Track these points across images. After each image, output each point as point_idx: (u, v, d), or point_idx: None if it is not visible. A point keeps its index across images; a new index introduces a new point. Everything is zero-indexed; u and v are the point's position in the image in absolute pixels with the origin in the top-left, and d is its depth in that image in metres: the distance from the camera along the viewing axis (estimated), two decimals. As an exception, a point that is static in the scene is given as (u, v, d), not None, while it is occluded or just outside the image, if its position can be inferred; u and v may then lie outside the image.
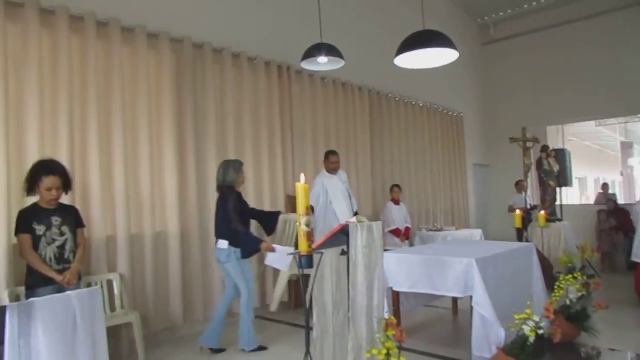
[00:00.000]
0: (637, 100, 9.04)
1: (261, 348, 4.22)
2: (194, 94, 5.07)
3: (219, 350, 4.21)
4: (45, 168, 3.21)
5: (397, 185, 7.19)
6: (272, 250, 4.07)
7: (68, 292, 1.98)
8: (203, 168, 5.07)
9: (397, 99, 8.12)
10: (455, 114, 9.84)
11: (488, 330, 3.60)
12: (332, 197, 5.30)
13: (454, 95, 9.98)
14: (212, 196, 5.04)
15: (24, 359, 1.74)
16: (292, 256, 3.91)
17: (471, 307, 3.74)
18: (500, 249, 4.37)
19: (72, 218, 3.34)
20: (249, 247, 4.08)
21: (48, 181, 3.18)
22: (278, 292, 4.97)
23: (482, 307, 3.60)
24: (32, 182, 3.19)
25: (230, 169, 4.18)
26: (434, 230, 7.65)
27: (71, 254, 3.25)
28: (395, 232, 6.81)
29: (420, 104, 8.73)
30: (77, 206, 3.72)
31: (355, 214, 5.21)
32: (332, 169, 5.45)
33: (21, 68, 3.87)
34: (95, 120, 4.21)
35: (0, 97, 3.66)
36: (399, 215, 6.98)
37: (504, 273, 4.10)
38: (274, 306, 4.90)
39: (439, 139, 9.19)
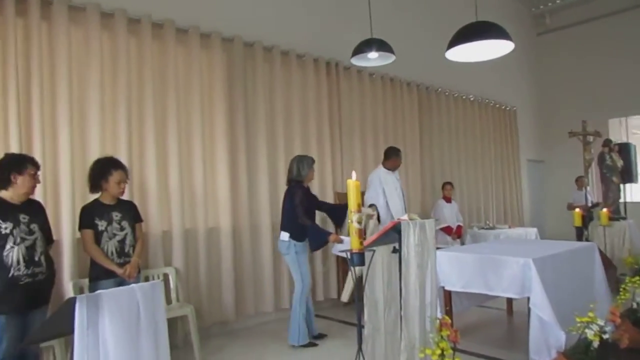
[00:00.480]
0: None
1: (312, 344, 4.23)
2: (245, 92, 5.15)
3: (313, 344, 4.25)
4: (114, 163, 3.37)
5: (450, 183, 7.03)
6: (340, 241, 4.11)
7: (132, 285, 2.06)
8: (254, 165, 5.15)
9: (447, 93, 7.93)
10: (508, 108, 9.50)
11: (547, 334, 3.45)
12: (388, 195, 5.24)
13: (506, 89, 9.64)
14: (263, 193, 5.14)
15: (91, 347, 1.83)
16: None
17: (528, 309, 3.60)
18: (559, 249, 4.17)
19: (132, 213, 3.48)
20: (317, 240, 4.16)
21: (118, 175, 3.33)
22: (350, 283, 4.90)
23: (541, 309, 3.46)
24: (99, 177, 3.31)
25: (305, 164, 4.30)
26: (486, 229, 7.41)
27: (131, 248, 3.38)
28: (447, 230, 6.67)
29: (472, 99, 8.49)
30: (135, 201, 3.88)
31: (405, 212, 5.14)
32: (396, 167, 5.43)
33: (84, 69, 4.08)
34: (151, 118, 4.37)
35: (65, 98, 3.89)
36: (450, 213, 6.82)
37: (563, 274, 3.92)
38: (345, 296, 4.80)
39: (491, 135, 8.91)
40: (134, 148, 4.27)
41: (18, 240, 2.73)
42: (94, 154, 3.86)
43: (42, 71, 3.82)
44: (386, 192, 5.23)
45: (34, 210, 2.94)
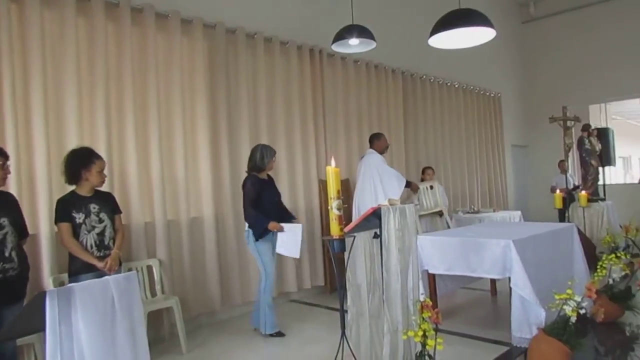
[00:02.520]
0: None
1: (279, 334, 4.23)
2: (227, 80, 5.10)
3: (278, 334, 4.24)
4: (94, 153, 3.32)
5: (430, 168, 7.05)
6: (281, 229, 4.12)
7: (106, 277, 2.02)
8: (236, 153, 5.11)
9: (431, 80, 7.95)
10: (493, 95, 9.56)
11: (528, 311, 3.54)
12: (382, 176, 5.30)
13: (491, 76, 9.69)
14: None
15: (65, 344, 1.79)
16: (300, 242, 4.06)
17: (510, 289, 3.68)
18: (540, 230, 4.25)
19: (110, 205, 3.41)
20: (258, 228, 4.13)
21: (100, 164, 3.29)
22: None
23: (522, 289, 3.53)
24: (80, 167, 3.21)
25: (269, 153, 4.31)
26: (471, 213, 7.49)
27: (111, 240, 3.32)
28: None
29: (456, 85, 8.52)
30: (116, 193, 3.82)
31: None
32: (386, 148, 5.58)
33: (58, 56, 3.94)
34: (131, 107, 4.29)
35: (38, 86, 3.74)
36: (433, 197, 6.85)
37: (544, 254, 4.00)
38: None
39: (475, 121, 8.97)
40: (113, 138, 4.19)
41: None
42: (71, 145, 3.73)
43: (13, 58, 3.64)
44: (385, 174, 5.29)
45: (4, 203, 2.85)
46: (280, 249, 4.21)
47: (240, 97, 5.18)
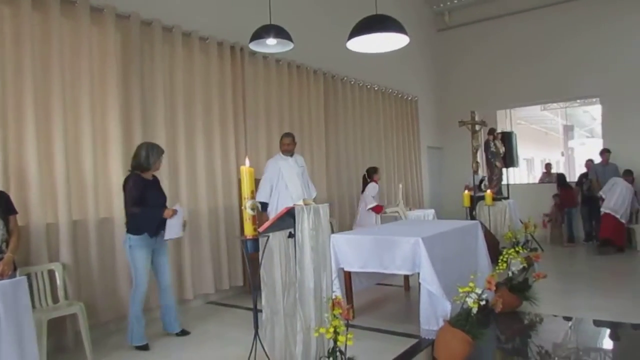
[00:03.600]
0: (575, 87, 9.67)
1: (144, 348, 3.95)
2: (142, 74, 4.88)
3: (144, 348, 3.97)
4: None
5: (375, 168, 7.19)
6: (175, 212, 3.88)
7: (-12, 283, 1.86)
8: (151, 152, 4.91)
9: (352, 82, 8.13)
10: (410, 98, 9.97)
11: (435, 305, 3.73)
12: (287, 180, 5.23)
13: (408, 80, 10.10)
14: (163, 179, 4.90)
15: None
16: (182, 219, 3.97)
17: (419, 284, 3.85)
18: (447, 227, 4.51)
19: (3, 204, 3.15)
20: (151, 221, 3.86)
21: None
22: None
23: (429, 283, 3.73)
24: None
25: (156, 152, 4.02)
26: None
27: (4, 243, 3.07)
28: (377, 209, 6.79)
29: (376, 88, 8.79)
30: (13, 192, 3.54)
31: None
32: (285, 151, 5.38)
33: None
34: (31, 99, 3.96)
35: None
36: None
37: (450, 250, 4.24)
38: None
39: (394, 123, 9.30)
40: (9, 133, 3.86)
41: None
42: None
43: None
44: (284, 176, 5.25)
45: None
46: (168, 235, 3.94)
47: (156, 93, 4.99)
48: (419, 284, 3.86)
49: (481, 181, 7.80)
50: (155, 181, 4.16)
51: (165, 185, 4.90)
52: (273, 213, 4.99)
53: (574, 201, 8.71)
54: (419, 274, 3.86)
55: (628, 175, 7.98)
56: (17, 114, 3.94)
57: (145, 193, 3.91)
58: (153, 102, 4.97)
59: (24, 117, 3.95)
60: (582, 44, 9.39)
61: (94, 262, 4.33)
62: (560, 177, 9.17)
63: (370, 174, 6.95)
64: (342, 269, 4.20)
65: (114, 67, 4.60)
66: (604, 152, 8.54)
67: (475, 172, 8.38)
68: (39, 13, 4.13)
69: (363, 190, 6.89)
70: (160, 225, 3.91)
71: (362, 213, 6.76)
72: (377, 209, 6.84)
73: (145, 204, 3.88)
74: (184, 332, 4.25)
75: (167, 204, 4.14)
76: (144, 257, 3.90)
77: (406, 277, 5.40)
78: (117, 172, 4.54)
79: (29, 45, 3.98)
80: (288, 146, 5.35)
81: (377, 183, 6.93)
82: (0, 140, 3.68)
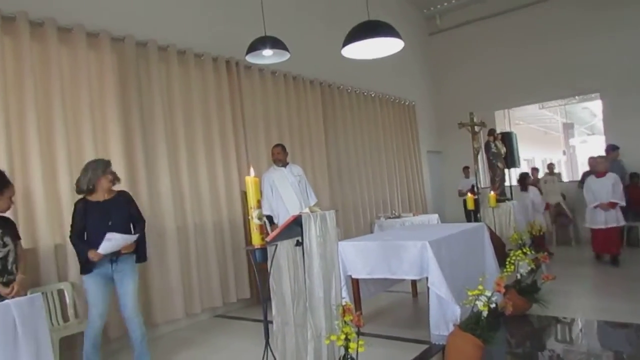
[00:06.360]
0: (573, 83, 9.53)
1: None
2: (140, 94, 4.94)
3: None
4: (6, 177, 3.11)
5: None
6: (100, 256, 3.34)
7: (6, 301, 1.88)
8: (153, 167, 4.95)
9: (349, 90, 8.18)
10: (407, 103, 10.02)
11: (445, 309, 3.71)
12: (281, 191, 5.21)
13: (405, 85, 10.16)
14: (166, 195, 4.95)
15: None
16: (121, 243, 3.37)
17: (428, 288, 3.84)
18: (453, 231, 4.50)
19: (13, 230, 3.18)
20: (81, 260, 3.43)
21: (12, 189, 3.13)
22: None
23: (438, 287, 3.71)
24: None
25: (91, 171, 3.45)
26: (392, 218, 7.79)
27: (13, 265, 3.09)
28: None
29: (373, 95, 8.83)
30: (20, 215, 3.59)
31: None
32: (275, 161, 5.34)
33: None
34: (34, 125, 4.03)
35: None
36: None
37: (457, 253, 4.23)
38: None
39: (392, 128, 9.34)
40: (15, 158, 3.91)
41: None
42: None
43: None
44: (279, 188, 5.21)
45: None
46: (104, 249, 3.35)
47: (154, 111, 5.04)
48: (428, 288, 3.85)
49: (473, 186, 7.77)
50: (111, 201, 3.52)
51: (169, 200, 4.95)
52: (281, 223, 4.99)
53: None
54: (427, 278, 3.85)
55: (635, 178, 7.81)
56: (20, 139, 4.00)
57: (86, 220, 3.44)
58: (152, 120, 5.02)
59: (28, 141, 4.01)
60: (578, 38, 9.27)
61: (102, 281, 4.32)
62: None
63: None
64: (350, 276, 4.20)
65: (112, 89, 4.67)
66: (610, 150, 8.02)
67: (467, 176, 8.36)
68: (37, 42, 4.21)
69: None
70: (90, 263, 3.41)
71: None
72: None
73: (89, 233, 3.45)
74: None
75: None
76: (96, 287, 3.42)
77: (414, 283, 5.39)
78: (121, 191, 4.56)
79: (30, 72, 4.07)
80: (278, 155, 5.32)
81: None
82: (7, 165, 3.71)
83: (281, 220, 4.77)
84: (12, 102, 3.98)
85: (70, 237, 3.48)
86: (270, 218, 5.18)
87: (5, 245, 3.06)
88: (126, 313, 3.58)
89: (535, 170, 9.78)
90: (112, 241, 3.34)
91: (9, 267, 3.06)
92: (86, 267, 3.42)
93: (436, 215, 8.13)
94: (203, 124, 5.51)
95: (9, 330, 1.79)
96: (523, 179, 7.76)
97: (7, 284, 2.99)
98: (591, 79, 9.19)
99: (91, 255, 3.33)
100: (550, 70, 9.64)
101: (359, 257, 4.15)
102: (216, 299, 5.34)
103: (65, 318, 3.96)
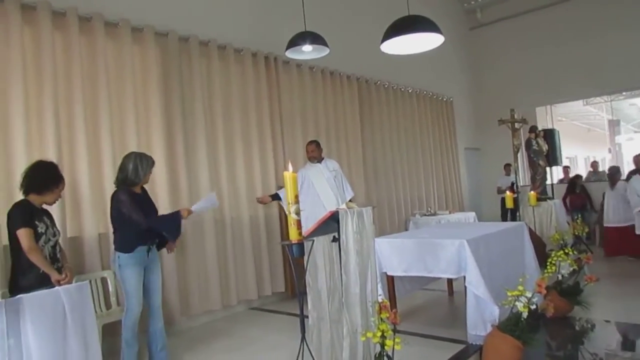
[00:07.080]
0: (620, 78, 9.18)
1: None
2: (181, 88, 5.04)
3: None
4: (59, 172, 3.23)
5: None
6: (191, 212, 3.52)
7: (56, 288, 1.96)
8: (193, 161, 5.06)
9: (386, 86, 8.11)
10: (445, 99, 9.85)
11: (482, 309, 3.65)
12: (317, 187, 5.21)
13: (443, 81, 9.99)
14: (204, 189, 5.04)
15: (14, 355, 1.71)
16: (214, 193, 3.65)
17: (465, 288, 3.78)
18: (492, 229, 4.41)
19: (54, 221, 3.32)
20: (171, 225, 3.45)
21: (64, 184, 3.25)
22: None
23: (476, 287, 3.64)
24: (51, 182, 3.13)
25: (145, 164, 3.51)
26: (428, 215, 7.69)
27: (59, 253, 3.23)
28: None
29: (410, 91, 8.73)
30: (67, 204, 3.73)
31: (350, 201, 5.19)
32: (310, 158, 5.32)
33: (3, 67, 3.82)
34: (82, 117, 4.18)
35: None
36: None
37: (496, 252, 4.14)
38: None
39: (429, 125, 9.21)
40: (63, 149, 4.07)
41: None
42: (19, 158, 3.67)
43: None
44: (314, 184, 5.18)
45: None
46: (196, 208, 3.62)
47: (195, 106, 5.13)
48: (465, 287, 3.79)
49: (512, 184, 7.56)
50: (145, 195, 3.66)
51: (207, 193, 5.03)
52: (305, 220, 4.98)
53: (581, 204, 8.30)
54: (464, 277, 3.78)
55: None
56: (69, 129, 4.16)
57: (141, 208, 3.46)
58: (192, 114, 5.11)
59: (76, 131, 4.17)
60: (625, 32, 8.92)
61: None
62: (571, 184, 8.63)
63: None
64: (385, 273, 4.18)
65: (155, 83, 4.79)
66: None
67: (508, 174, 8.14)
68: (85, 36, 4.35)
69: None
70: (154, 238, 3.54)
71: None
72: None
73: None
74: None
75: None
76: (135, 276, 3.42)
77: (450, 282, 5.31)
78: (160, 183, 4.69)
79: (78, 66, 4.22)
80: (312, 152, 5.29)
81: None
82: (55, 158, 3.85)
83: (318, 216, 4.76)
84: (62, 94, 4.13)
85: (140, 222, 3.34)
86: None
87: (55, 234, 3.19)
88: (155, 304, 3.58)
89: (566, 168, 9.47)
90: (208, 202, 3.61)
91: (58, 256, 3.20)
92: (176, 230, 3.45)
93: (473, 213, 7.98)
94: (241, 119, 5.58)
95: (58, 316, 1.86)
96: (613, 175, 7.15)
97: (58, 271, 3.12)
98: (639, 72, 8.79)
99: (183, 213, 3.43)
100: (595, 65, 9.32)
101: (395, 254, 4.12)
102: (251, 291, 5.42)
103: (108, 305, 4.09)
